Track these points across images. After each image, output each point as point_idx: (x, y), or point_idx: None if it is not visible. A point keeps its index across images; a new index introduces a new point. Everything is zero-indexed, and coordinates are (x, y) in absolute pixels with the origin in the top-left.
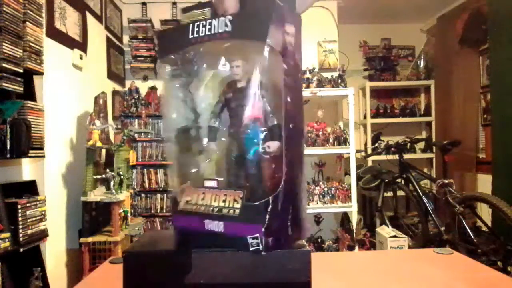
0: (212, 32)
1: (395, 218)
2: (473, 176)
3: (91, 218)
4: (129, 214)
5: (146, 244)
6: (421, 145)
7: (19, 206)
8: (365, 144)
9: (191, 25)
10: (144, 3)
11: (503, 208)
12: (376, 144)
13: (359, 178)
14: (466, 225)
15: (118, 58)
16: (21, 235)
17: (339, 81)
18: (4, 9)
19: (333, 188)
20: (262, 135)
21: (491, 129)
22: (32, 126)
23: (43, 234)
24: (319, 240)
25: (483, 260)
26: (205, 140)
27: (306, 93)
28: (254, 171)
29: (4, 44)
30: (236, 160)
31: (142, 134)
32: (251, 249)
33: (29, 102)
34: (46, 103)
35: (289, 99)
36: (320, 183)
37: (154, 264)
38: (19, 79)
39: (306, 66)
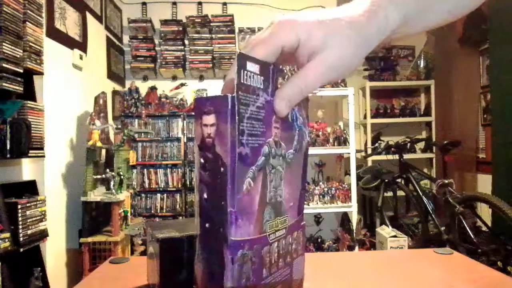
0: None
1: (395, 218)
2: (473, 176)
3: (91, 218)
4: (129, 214)
5: (170, 230)
6: (421, 145)
7: (19, 206)
8: (365, 144)
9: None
10: (144, 3)
11: (503, 208)
12: (376, 144)
13: (359, 178)
14: (466, 225)
15: (118, 58)
16: (21, 235)
17: (339, 81)
18: (4, 9)
19: (333, 188)
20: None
21: (491, 129)
22: (32, 126)
23: (43, 234)
24: (319, 240)
25: (483, 260)
26: None
27: None
28: None
29: (4, 44)
30: None
31: (142, 134)
32: None
33: (29, 102)
34: (46, 103)
35: (205, 196)
36: (320, 183)
37: (186, 246)
38: (19, 79)
39: None
